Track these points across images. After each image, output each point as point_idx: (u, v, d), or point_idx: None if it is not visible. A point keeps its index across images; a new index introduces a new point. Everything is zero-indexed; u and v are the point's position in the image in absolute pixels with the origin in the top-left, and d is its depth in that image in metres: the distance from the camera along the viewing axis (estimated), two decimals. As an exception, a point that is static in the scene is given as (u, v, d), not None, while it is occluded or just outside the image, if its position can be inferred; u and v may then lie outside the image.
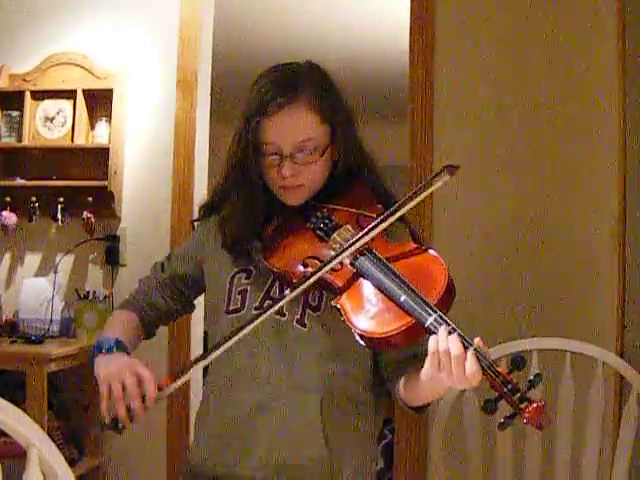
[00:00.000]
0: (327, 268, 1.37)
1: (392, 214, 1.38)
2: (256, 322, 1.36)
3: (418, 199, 1.37)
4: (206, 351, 1.41)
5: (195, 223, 1.73)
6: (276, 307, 1.38)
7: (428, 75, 2.72)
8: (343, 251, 1.38)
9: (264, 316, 1.37)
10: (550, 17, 2.66)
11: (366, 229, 1.39)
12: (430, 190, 1.37)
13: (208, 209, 1.68)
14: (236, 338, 1.36)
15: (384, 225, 1.38)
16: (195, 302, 1.76)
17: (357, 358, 1.52)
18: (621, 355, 2.42)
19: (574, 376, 2.07)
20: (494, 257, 2.66)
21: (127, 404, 1.36)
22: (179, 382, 1.37)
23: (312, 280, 1.37)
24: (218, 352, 1.36)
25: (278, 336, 1.46)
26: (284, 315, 1.50)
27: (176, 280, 1.68)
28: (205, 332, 1.68)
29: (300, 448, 1.47)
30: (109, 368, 1.41)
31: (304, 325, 1.48)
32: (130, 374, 1.38)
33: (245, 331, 1.36)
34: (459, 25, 2.74)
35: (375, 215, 1.46)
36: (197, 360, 1.37)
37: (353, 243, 1.38)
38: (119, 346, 1.49)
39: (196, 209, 1.75)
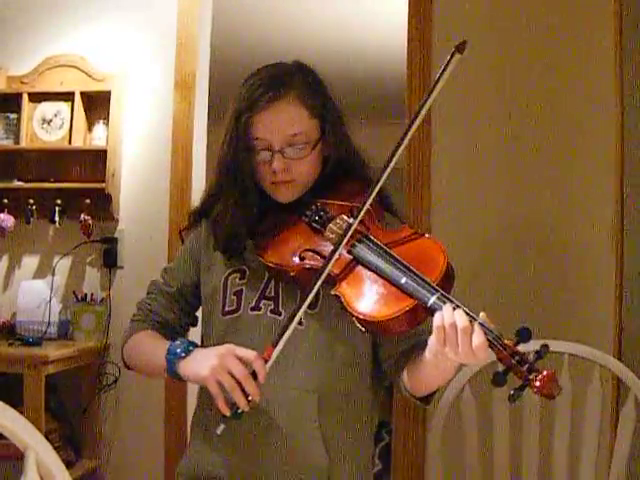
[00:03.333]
0: (339, 252, 1.37)
1: (402, 140, 1.37)
2: (299, 314, 1.36)
3: (434, 94, 1.37)
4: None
5: (183, 233, 1.71)
6: (306, 302, 1.37)
7: (425, 74, 2.72)
8: (350, 226, 1.38)
9: (301, 310, 1.36)
10: (549, 15, 2.67)
11: (371, 189, 1.39)
12: (445, 75, 1.36)
13: (197, 216, 1.67)
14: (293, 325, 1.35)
15: (386, 174, 1.38)
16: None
17: (355, 355, 1.52)
18: (619, 358, 2.42)
19: (571, 378, 2.07)
20: (491, 258, 2.66)
21: (242, 389, 1.32)
22: (279, 347, 1.35)
23: (326, 271, 1.36)
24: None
25: (275, 335, 1.46)
26: (280, 314, 1.50)
27: (185, 292, 1.64)
28: (202, 336, 1.66)
29: (298, 448, 1.47)
30: (208, 364, 1.35)
31: (301, 323, 1.47)
32: (233, 360, 1.34)
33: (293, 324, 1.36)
34: (457, 23, 2.73)
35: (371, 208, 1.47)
36: (289, 322, 1.35)
37: (358, 214, 1.38)
38: (192, 343, 1.45)
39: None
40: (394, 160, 1.38)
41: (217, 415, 1.36)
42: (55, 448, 1.07)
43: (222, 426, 1.35)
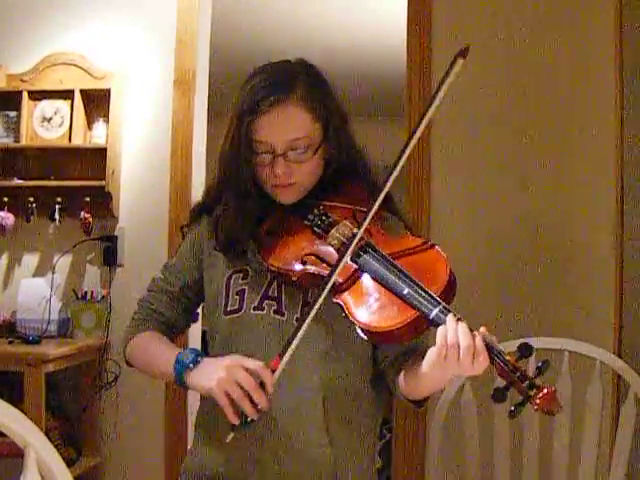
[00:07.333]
0: (345, 260, 1.36)
1: (402, 153, 1.36)
2: (308, 320, 1.34)
3: (437, 100, 1.35)
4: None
5: (185, 229, 1.70)
6: (314, 311, 1.36)
7: (425, 74, 2.71)
8: (355, 236, 1.37)
9: (311, 315, 1.35)
10: (549, 14, 2.66)
11: (377, 199, 1.38)
12: (449, 80, 1.34)
13: (199, 212, 1.66)
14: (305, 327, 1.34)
15: (390, 182, 1.37)
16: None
17: (357, 356, 1.52)
18: (619, 355, 2.42)
19: (572, 376, 2.07)
20: (492, 258, 2.66)
21: (250, 399, 1.33)
22: (286, 358, 1.34)
23: (332, 281, 1.36)
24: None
25: (278, 336, 1.45)
26: (283, 314, 1.50)
27: (187, 291, 1.64)
28: (204, 331, 1.66)
29: (304, 448, 1.47)
30: (216, 376, 1.36)
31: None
32: (241, 371, 1.34)
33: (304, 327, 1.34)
34: (456, 23, 2.73)
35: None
36: (294, 333, 1.35)
37: (362, 223, 1.37)
38: (200, 354, 1.44)
39: (194, 209, 1.73)
40: (399, 166, 1.37)
41: (225, 423, 1.36)
42: (55, 446, 1.06)
43: (231, 434, 1.35)
